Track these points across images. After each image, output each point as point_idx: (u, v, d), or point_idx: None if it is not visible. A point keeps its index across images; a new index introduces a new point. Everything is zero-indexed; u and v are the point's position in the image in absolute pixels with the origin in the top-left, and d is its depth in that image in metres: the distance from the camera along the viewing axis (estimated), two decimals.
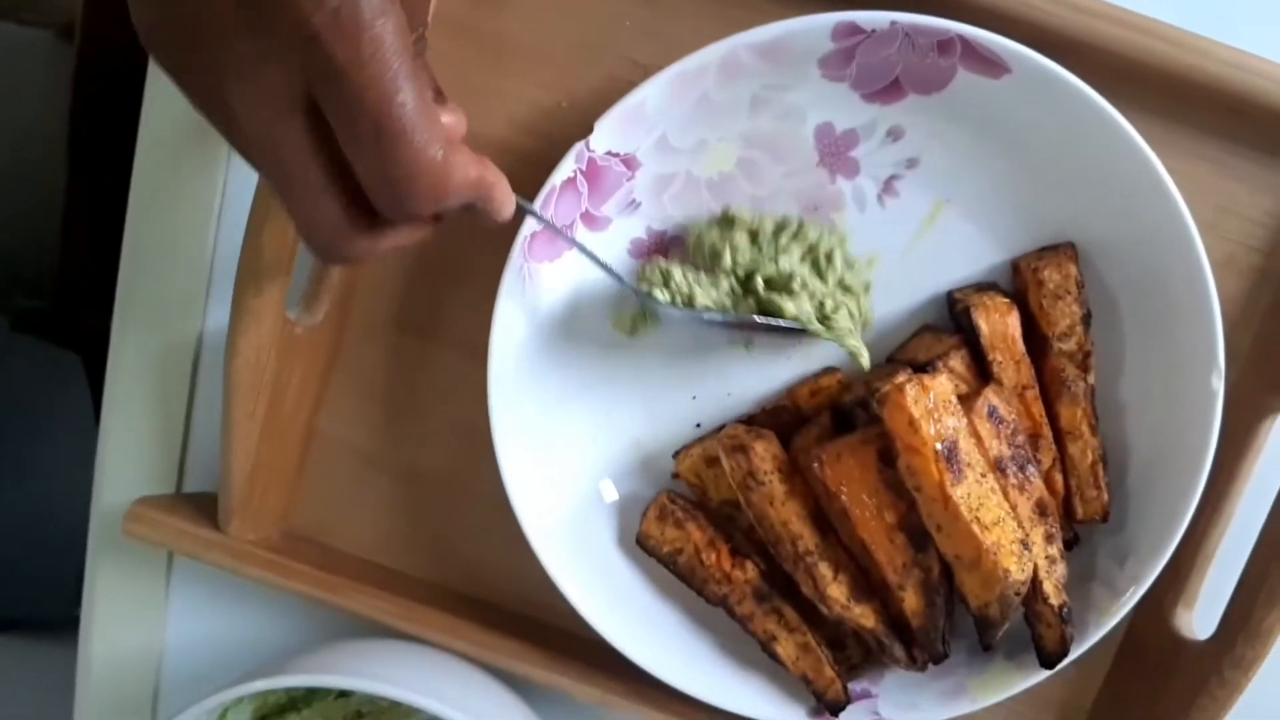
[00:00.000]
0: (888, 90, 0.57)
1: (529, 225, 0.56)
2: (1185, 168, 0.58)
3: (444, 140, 0.40)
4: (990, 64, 0.54)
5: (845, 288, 0.58)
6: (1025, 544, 0.53)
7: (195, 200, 0.66)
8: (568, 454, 0.62)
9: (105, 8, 0.99)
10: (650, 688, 0.60)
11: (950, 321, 0.59)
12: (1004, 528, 0.53)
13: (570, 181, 0.56)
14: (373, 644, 0.62)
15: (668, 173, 0.59)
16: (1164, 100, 0.57)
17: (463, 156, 0.42)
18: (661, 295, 0.57)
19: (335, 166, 0.41)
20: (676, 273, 0.57)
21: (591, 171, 0.57)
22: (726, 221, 0.58)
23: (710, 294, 0.57)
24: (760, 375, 0.62)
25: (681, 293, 0.57)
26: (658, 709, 0.60)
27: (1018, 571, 0.53)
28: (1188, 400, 0.55)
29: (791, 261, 0.57)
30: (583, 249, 0.56)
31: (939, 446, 0.51)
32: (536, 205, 0.56)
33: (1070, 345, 0.56)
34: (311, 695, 0.66)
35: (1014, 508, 0.53)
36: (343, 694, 0.66)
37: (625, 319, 0.61)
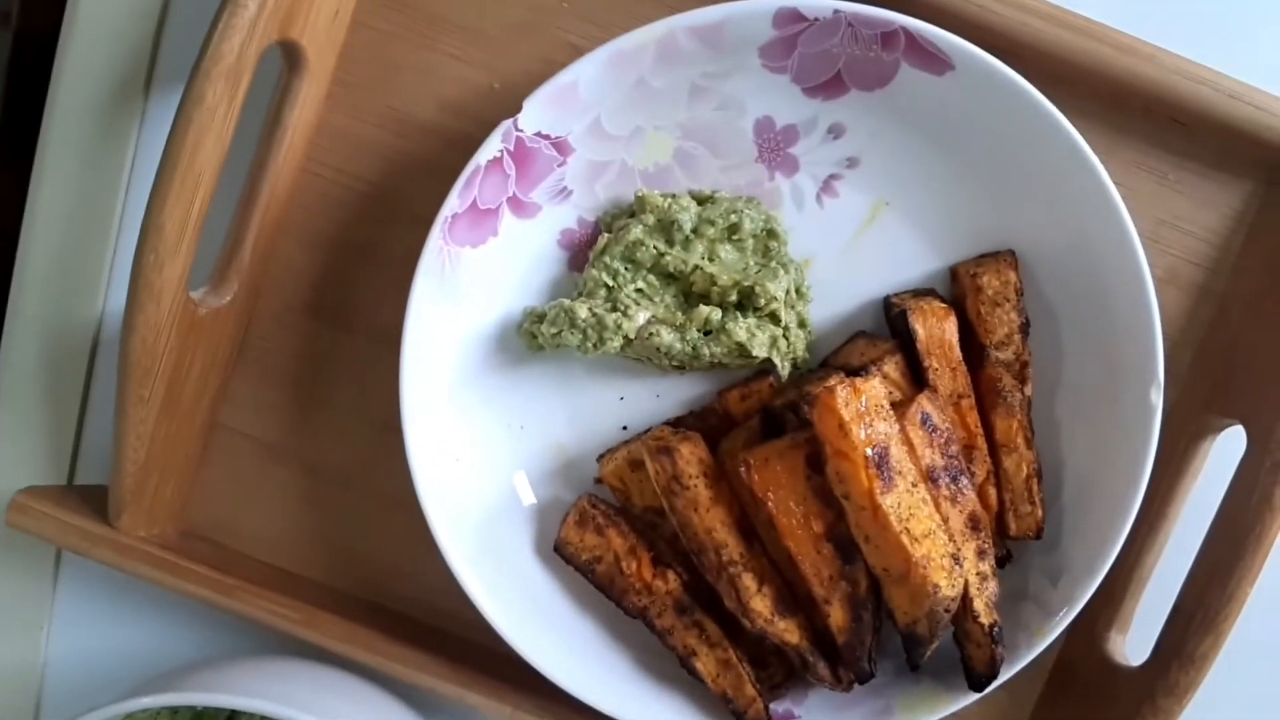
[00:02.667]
0: (830, 84, 0.55)
1: (450, 205, 0.53)
2: (1128, 179, 0.57)
3: None
4: (934, 59, 0.52)
5: (782, 265, 0.55)
6: (956, 558, 0.51)
7: (100, 179, 0.63)
8: (484, 454, 0.59)
9: None
10: (564, 705, 0.57)
11: (886, 328, 0.57)
12: (935, 540, 0.50)
13: (496, 162, 0.53)
14: (267, 661, 0.58)
15: (602, 160, 0.56)
16: (1108, 108, 0.56)
17: None
18: (570, 338, 0.55)
19: None
20: (582, 311, 0.54)
21: (520, 153, 0.54)
22: (640, 204, 0.56)
23: (642, 315, 0.55)
24: (691, 378, 0.59)
25: (590, 335, 0.55)
26: None
27: (948, 587, 0.50)
28: (1126, 415, 0.54)
29: (731, 255, 0.55)
30: None
31: (869, 452, 0.49)
32: (458, 187, 0.53)
33: (1007, 354, 0.55)
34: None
35: (945, 520, 0.51)
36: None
37: (528, 330, 0.57)
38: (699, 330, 0.55)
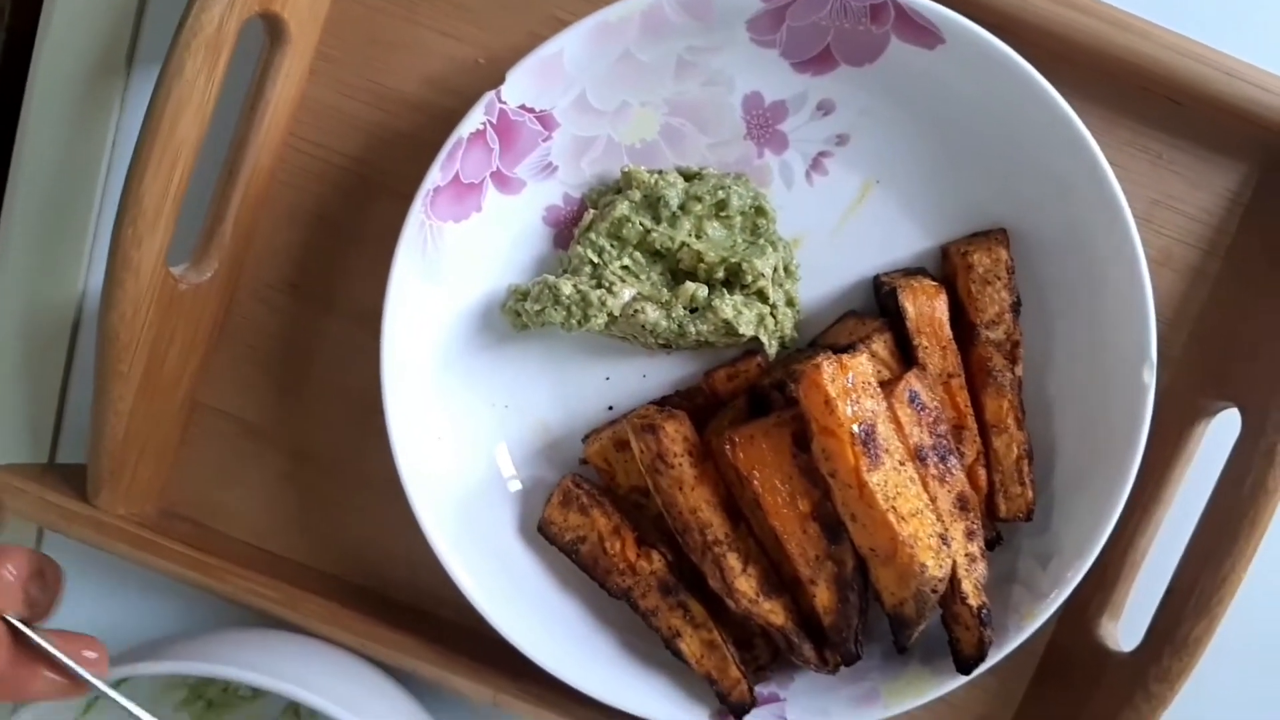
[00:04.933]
0: (819, 59, 0.54)
1: (432, 178, 0.52)
2: (1122, 159, 0.56)
3: None
4: (924, 32, 0.51)
5: (770, 243, 0.54)
6: (944, 539, 0.50)
7: (82, 157, 0.62)
8: (467, 433, 0.58)
9: None
10: (546, 687, 0.56)
11: (876, 307, 0.56)
12: (922, 520, 0.49)
13: (479, 135, 0.53)
14: (252, 632, 0.57)
15: (587, 136, 0.56)
16: (1102, 86, 0.55)
17: None
18: (554, 315, 0.54)
19: None
20: (566, 288, 0.54)
21: (503, 126, 0.53)
22: (626, 180, 0.55)
23: (627, 291, 0.54)
24: (678, 358, 0.58)
25: (575, 312, 0.54)
26: (554, 710, 0.56)
27: (935, 567, 0.49)
28: (1118, 395, 0.53)
29: (720, 233, 0.54)
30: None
31: (856, 429, 0.48)
32: (440, 160, 0.52)
33: (998, 334, 0.54)
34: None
35: (933, 500, 0.50)
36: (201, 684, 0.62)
37: (511, 308, 0.56)
38: (685, 308, 0.54)
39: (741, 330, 0.54)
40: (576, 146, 0.56)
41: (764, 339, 0.55)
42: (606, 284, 0.54)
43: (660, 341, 0.56)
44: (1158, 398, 0.53)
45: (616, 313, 0.54)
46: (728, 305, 0.53)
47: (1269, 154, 0.56)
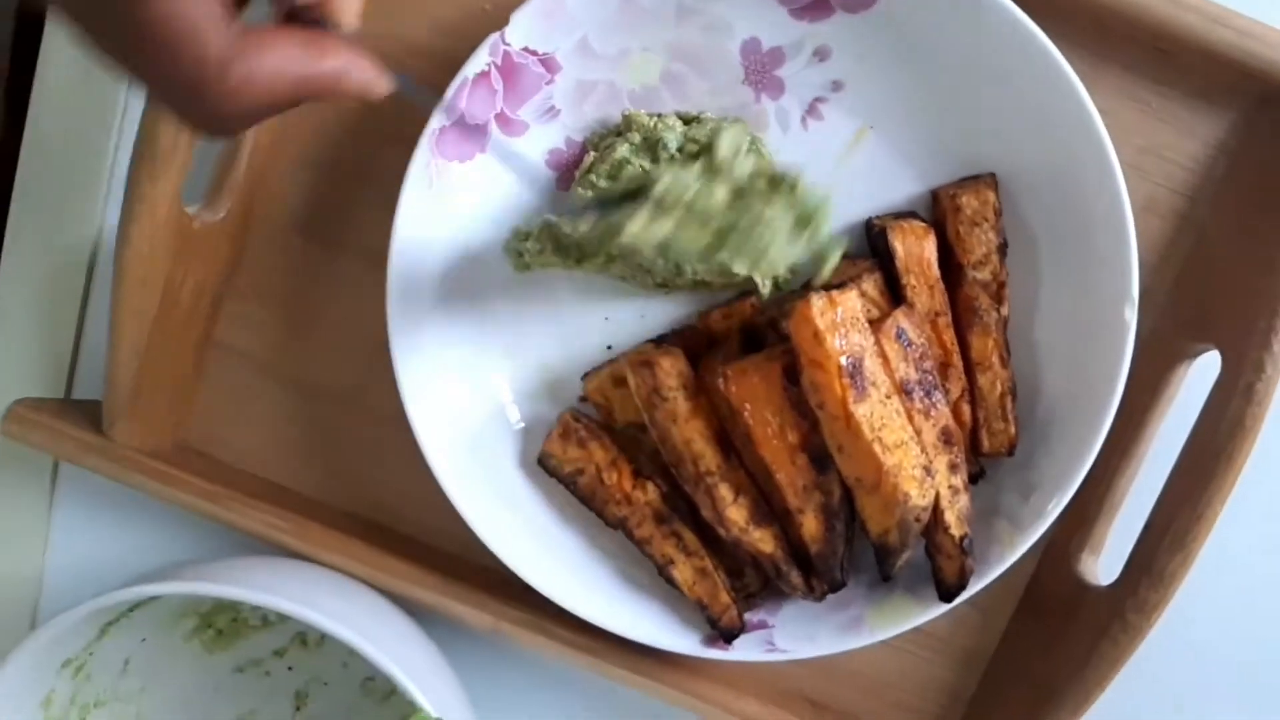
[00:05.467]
0: (815, 6, 0.55)
1: (438, 118, 0.54)
2: (1111, 106, 0.57)
3: (226, 57, 0.36)
4: None
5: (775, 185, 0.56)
6: (928, 470, 0.52)
7: (99, 95, 0.63)
8: (472, 372, 0.60)
9: None
10: (545, 614, 0.58)
11: (868, 250, 0.58)
12: (906, 451, 0.51)
13: (484, 76, 0.54)
14: (262, 559, 0.59)
15: (589, 79, 0.57)
16: (1091, 34, 0.56)
17: (263, 63, 0.37)
18: (554, 255, 0.56)
19: None
20: (566, 226, 0.55)
21: (507, 68, 0.55)
22: (626, 123, 0.56)
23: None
24: (676, 299, 0.60)
25: (574, 250, 0.55)
26: (551, 637, 0.58)
27: (918, 496, 0.51)
28: (1101, 335, 0.54)
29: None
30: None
31: (843, 361, 0.50)
32: (446, 98, 0.54)
33: (985, 274, 0.55)
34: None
35: (918, 433, 0.52)
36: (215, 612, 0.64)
37: (513, 248, 0.58)
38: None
39: (736, 270, 0.55)
40: (579, 90, 0.57)
41: (758, 279, 0.56)
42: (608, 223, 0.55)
43: (658, 281, 0.57)
44: (1141, 340, 0.54)
45: (615, 252, 0.55)
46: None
47: (1256, 102, 0.57)
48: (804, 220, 0.49)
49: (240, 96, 0.38)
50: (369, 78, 0.41)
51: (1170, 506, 0.55)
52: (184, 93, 0.37)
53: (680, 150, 0.55)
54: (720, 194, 0.48)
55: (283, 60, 0.39)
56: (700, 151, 0.54)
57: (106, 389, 0.59)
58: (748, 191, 0.49)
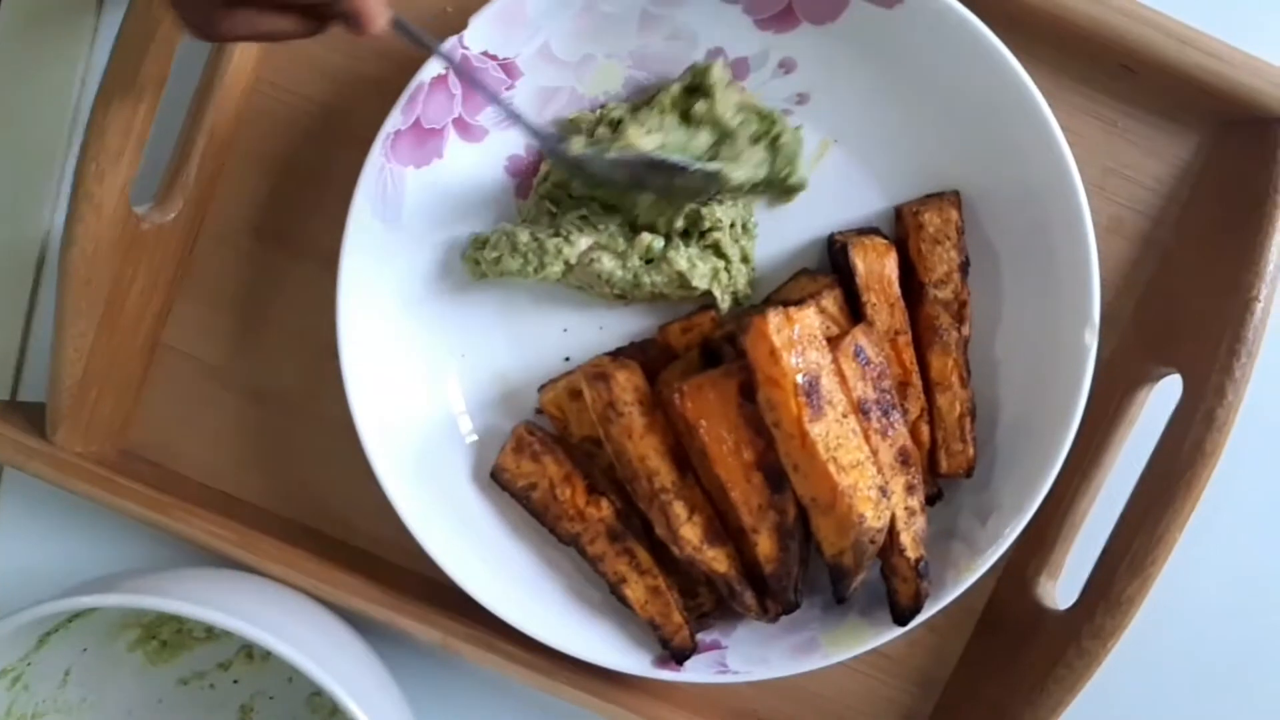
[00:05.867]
0: (781, 16, 0.55)
1: (393, 121, 0.53)
2: (1076, 125, 0.57)
3: None
4: None
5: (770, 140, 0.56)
6: (884, 491, 0.51)
7: (50, 90, 0.62)
8: (424, 382, 0.58)
9: None
10: (494, 632, 0.57)
11: (829, 265, 0.57)
12: (862, 471, 0.50)
13: (441, 80, 0.53)
14: (206, 571, 0.58)
15: (551, 86, 0.56)
16: (1057, 52, 0.56)
17: None
18: (511, 262, 0.55)
19: None
20: (523, 235, 0.55)
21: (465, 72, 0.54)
22: (574, 126, 0.56)
23: (584, 240, 0.55)
24: (635, 311, 0.59)
25: (531, 259, 0.55)
26: (499, 654, 0.57)
27: (873, 518, 0.50)
28: (1061, 357, 0.54)
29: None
30: (499, 101, 0.52)
31: (800, 379, 0.49)
32: (401, 103, 0.53)
33: (946, 293, 0.55)
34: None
35: (875, 453, 0.51)
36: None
37: (470, 256, 0.57)
38: (641, 259, 0.55)
39: (695, 284, 0.55)
40: (540, 97, 0.56)
41: (717, 293, 0.56)
42: (564, 233, 0.54)
43: (616, 292, 0.56)
44: (1103, 363, 0.54)
45: (573, 261, 0.54)
46: (682, 258, 0.54)
47: (1221, 124, 0.57)
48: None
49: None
50: (375, 7, 0.42)
51: (1129, 531, 0.55)
52: None
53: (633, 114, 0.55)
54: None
55: None
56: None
57: (50, 392, 0.58)
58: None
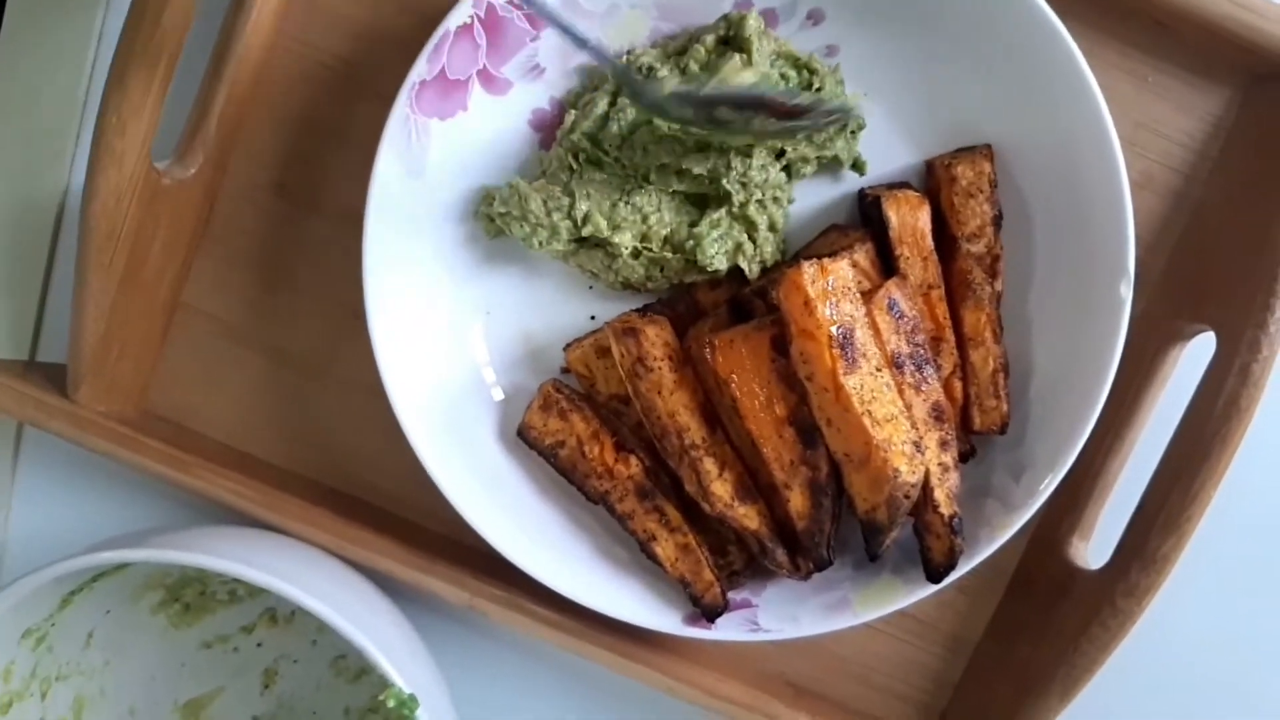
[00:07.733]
0: None
1: (418, 71, 0.52)
2: (1109, 81, 0.56)
3: None
4: None
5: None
6: (918, 445, 0.50)
7: (67, 48, 0.61)
8: (450, 340, 0.58)
9: None
10: (522, 591, 0.57)
11: (860, 221, 0.56)
12: (896, 426, 0.50)
13: (466, 29, 0.52)
14: (231, 529, 0.57)
15: None
16: (1091, 7, 0.55)
17: None
18: (518, 229, 0.55)
19: None
20: (534, 203, 0.54)
21: (491, 21, 0.53)
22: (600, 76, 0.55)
23: (584, 205, 0.54)
24: None
25: (540, 232, 0.54)
26: (528, 614, 0.56)
27: (908, 473, 0.50)
28: (1095, 311, 0.53)
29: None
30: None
31: (834, 331, 0.48)
32: (426, 53, 0.52)
33: (979, 247, 0.54)
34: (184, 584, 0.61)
35: (909, 407, 0.51)
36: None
37: (483, 211, 0.56)
38: (657, 247, 0.54)
39: (715, 266, 0.54)
40: (565, 49, 0.55)
41: (743, 265, 0.55)
42: (573, 195, 0.53)
43: (620, 280, 0.56)
44: (1135, 321, 0.53)
45: (580, 232, 0.53)
46: (710, 239, 0.53)
47: (1252, 78, 0.56)
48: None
49: None
50: None
51: (1163, 488, 0.54)
52: None
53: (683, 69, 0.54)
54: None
55: None
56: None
57: (71, 350, 0.57)
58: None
